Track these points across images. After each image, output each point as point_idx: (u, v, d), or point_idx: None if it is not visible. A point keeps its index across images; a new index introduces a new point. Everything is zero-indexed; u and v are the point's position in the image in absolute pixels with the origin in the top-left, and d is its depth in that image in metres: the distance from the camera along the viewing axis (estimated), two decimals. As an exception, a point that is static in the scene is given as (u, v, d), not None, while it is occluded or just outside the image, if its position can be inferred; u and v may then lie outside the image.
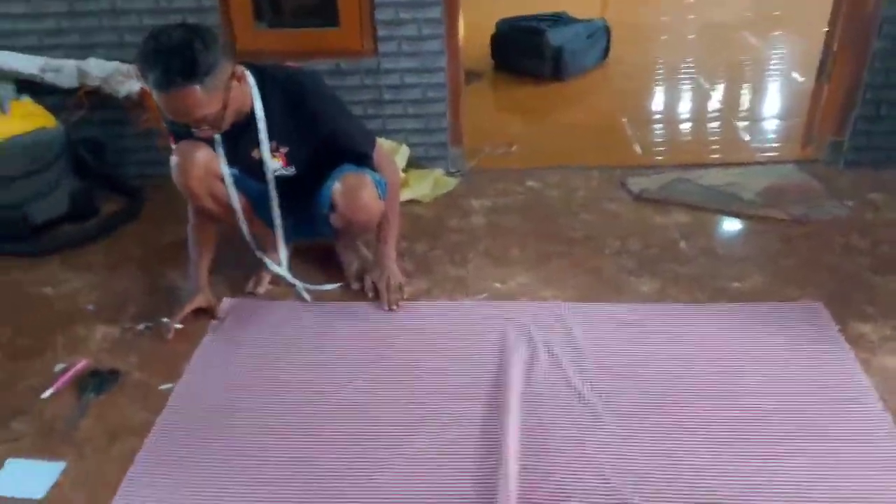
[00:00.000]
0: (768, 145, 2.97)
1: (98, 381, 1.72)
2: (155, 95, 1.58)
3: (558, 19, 3.94)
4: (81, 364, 1.79)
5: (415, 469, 1.45)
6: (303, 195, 1.95)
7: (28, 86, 2.49)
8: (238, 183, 1.92)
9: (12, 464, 1.51)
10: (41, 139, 2.34)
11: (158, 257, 2.26)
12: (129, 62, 2.56)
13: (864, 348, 1.71)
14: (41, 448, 1.55)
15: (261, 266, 2.07)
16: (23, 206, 2.33)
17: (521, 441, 1.48)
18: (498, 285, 2.04)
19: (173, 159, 1.83)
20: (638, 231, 2.29)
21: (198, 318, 1.93)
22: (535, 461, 1.44)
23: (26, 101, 2.38)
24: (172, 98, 1.58)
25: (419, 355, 1.77)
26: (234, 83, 1.68)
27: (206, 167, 1.84)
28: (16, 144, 2.27)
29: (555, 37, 3.67)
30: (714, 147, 3.00)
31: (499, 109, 3.52)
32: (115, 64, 2.55)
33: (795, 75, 3.74)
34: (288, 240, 2.04)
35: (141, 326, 1.93)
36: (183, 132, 1.80)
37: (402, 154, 2.62)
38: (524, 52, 3.76)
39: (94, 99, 2.60)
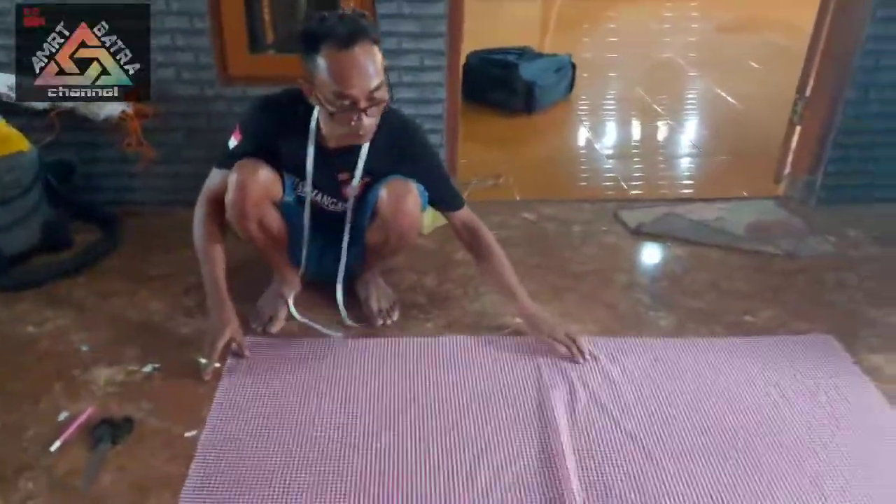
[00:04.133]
0: (740, 181, 3.10)
1: (111, 430, 1.57)
2: (328, 62, 1.51)
3: (523, 53, 4.02)
4: (89, 411, 1.63)
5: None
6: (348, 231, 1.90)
7: (-6, 106, 2.30)
8: (287, 211, 1.84)
9: (31, 528, 1.35)
10: (17, 164, 2.14)
11: (146, 291, 2.12)
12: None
13: (882, 379, 1.79)
14: (60, 508, 1.40)
15: (277, 303, 1.97)
16: (-5, 235, 2.13)
17: (581, 481, 1.46)
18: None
19: (233, 177, 1.70)
20: (642, 265, 2.34)
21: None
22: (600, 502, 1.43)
23: (0, 122, 2.18)
24: (358, 55, 1.51)
25: (459, 391, 1.73)
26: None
27: (266, 190, 1.74)
28: (-10, 169, 2.08)
29: (526, 71, 3.73)
30: (688, 182, 3.12)
31: (474, 141, 3.52)
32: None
33: (749, 112, 3.94)
34: (313, 276, 1.95)
35: (148, 368, 1.79)
36: (255, 145, 1.73)
37: (398, 185, 2.57)
38: (496, 86, 3.80)
39: (67, 120, 2.43)
